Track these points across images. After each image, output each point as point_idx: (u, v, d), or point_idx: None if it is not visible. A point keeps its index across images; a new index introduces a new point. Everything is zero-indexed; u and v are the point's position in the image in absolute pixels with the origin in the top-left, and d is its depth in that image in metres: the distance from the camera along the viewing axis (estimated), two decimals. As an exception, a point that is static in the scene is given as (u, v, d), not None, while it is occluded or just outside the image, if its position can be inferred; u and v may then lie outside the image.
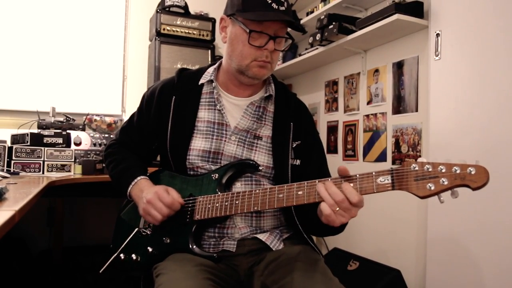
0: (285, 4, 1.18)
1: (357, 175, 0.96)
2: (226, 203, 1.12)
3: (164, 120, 1.29)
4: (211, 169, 1.23)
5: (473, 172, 0.83)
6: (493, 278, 1.78)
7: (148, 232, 1.24)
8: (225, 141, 1.25)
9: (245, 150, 1.24)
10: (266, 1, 1.15)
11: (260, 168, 1.20)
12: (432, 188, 0.87)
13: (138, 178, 1.27)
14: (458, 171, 0.85)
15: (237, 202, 1.10)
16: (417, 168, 0.89)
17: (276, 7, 1.16)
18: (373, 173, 0.94)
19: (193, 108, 1.28)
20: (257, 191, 1.09)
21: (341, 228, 1.15)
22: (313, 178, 1.03)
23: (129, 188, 1.26)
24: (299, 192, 1.02)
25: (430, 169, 0.88)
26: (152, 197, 1.15)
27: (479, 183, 0.83)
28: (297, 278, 1.08)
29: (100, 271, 1.29)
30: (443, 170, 0.86)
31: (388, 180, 0.92)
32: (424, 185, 0.88)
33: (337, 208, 0.95)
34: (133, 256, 1.25)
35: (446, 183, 0.85)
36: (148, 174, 1.34)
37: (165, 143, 1.28)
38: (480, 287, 1.82)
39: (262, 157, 1.24)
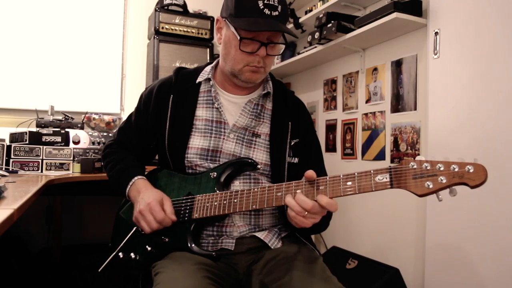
0: (279, 8, 1.16)
1: (356, 173, 0.96)
2: (225, 202, 1.12)
3: (162, 119, 1.29)
4: (209, 167, 1.23)
5: (471, 170, 0.83)
6: (491, 276, 1.78)
7: None
8: (223, 139, 1.25)
9: (244, 148, 1.24)
10: (258, 7, 1.14)
11: (259, 166, 1.20)
12: (431, 186, 0.87)
13: (135, 178, 1.27)
14: (456, 169, 0.85)
15: (235, 200, 1.11)
16: (415, 166, 0.89)
17: (269, 12, 1.14)
18: (372, 171, 0.94)
19: (191, 107, 1.28)
20: (256, 189, 1.09)
21: (325, 225, 1.22)
22: None
23: (127, 189, 1.27)
24: (298, 191, 1.02)
25: (428, 167, 0.88)
26: (144, 208, 1.15)
27: (477, 181, 0.83)
28: (296, 277, 1.08)
29: (99, 270, 1.29)
30: (442, 168, 0.86)
31: (386, 178, 0.92)
32: (423, 183, 0.87)
33: (306, 213, 0.98)
34: (132, 254, 1.25)
35: (444, 181, 0.85)
36: (146, 173, 1.34)
37: (164, 142, 1.28)
38: (478, 286, 1.83)
39: (261, 154, 1.24)
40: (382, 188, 0.92)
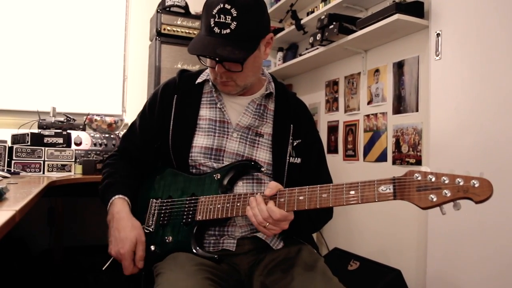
0: (232, 25, 1.09)
1: (359, 183, 0.94)
2: (228, 205, 1.12)
3: (166, 119, 1.29)
4: (213, 166, 1.23)
5: (476, 185, 0.82)
6: (493, 278, 1.78)
7: (151, 230, 1.24)
8: (227, 138, 1.25)
9: (247, 147, 1.25)
10: (209, 25, 1.11)
11: (262, 169, 1.21)
12: (434, 199, 0.85)
13: (114, 197, 1.25)
14: (461, 183, 0.83)
15: (238, 204, 1.11)
16: (419, 178, 0.87)
17: (218, 31, 1.09)
18: (375, 181, 0.92)
19: (195, 107, 1.29)
20: (259, 194, 1.08)
21: (319, 224, 1.30)
22: (312, 176, 1.04)
23: (107, 208, 1.26)
24: (301, 198, 1.02)
25: (433, 180, 0.86)
26: (115, 255, 1.18)
27: (482, 197, 0.81)
28: (297, 278, 1.09)
29: (103, 268, 1.29)
30: (446, 182, 0.84)
31: (390, 189, 0.90)
32: (426, 196, 0.86)
33: (267, 224, 1.02)
34: (135, 254, 1.25)
35: (448, 195, 0.84)
36: (147, 175, 1.35)
37: (167, 141, 1.28)
38: (480, 287, 1.82)
39: (264, 154, 1.25)
40: (385, 199, 0.90)
